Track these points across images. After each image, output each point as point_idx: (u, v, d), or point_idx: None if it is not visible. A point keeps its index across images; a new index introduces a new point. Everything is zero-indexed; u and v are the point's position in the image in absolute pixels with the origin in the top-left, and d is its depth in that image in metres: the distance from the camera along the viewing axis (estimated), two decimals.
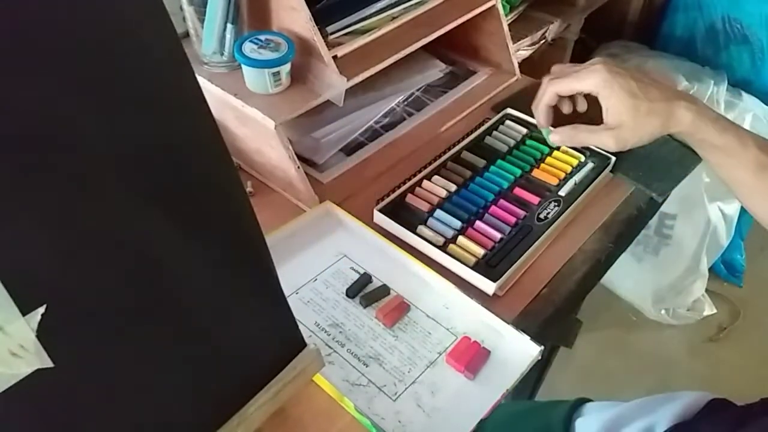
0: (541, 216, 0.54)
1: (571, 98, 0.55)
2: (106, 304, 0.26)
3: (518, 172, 0.58)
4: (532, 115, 0.63)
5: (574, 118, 0.54)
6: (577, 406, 0.56)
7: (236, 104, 0.52)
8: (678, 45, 1.28)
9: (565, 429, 0.54)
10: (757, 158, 0.46)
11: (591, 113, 0.53)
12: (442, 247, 0.50)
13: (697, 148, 0.50)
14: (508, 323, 0.45)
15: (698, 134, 0.48)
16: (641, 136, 0.49)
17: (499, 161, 0.59)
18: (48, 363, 0.24)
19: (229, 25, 0.52)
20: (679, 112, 0.47)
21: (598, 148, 0.60)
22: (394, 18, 0.59)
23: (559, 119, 0.56)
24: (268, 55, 0.50)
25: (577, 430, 0.53)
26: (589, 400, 0.56)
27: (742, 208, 1.21)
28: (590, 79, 0.49)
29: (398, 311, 0.47)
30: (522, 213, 0.54)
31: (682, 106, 0.47)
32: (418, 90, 0.69)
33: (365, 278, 0.49)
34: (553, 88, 0.52)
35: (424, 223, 0.53)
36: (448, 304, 0.48)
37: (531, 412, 0.61)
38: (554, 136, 0.54)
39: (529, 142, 0.62)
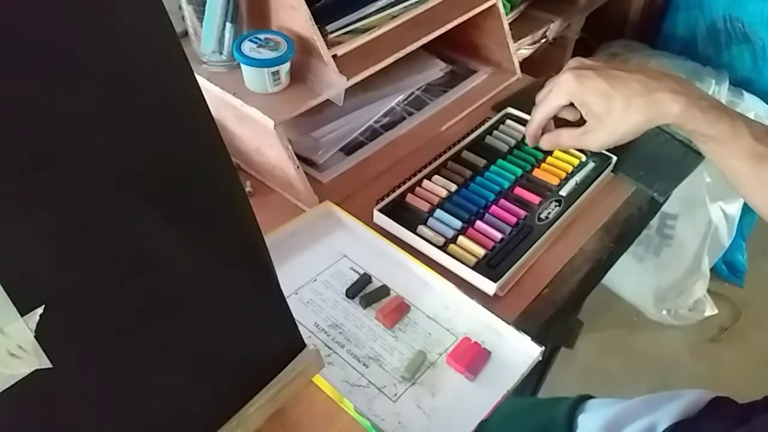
0: (542, 216, 0.54)
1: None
2: (105, 304, 0.26)
3: (519, 171, 0.58)
4: None
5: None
6: (579, 402, 0.56)
7: (235, 104, 0.52)
8: (679, 44, 1.27)
9: (568, 425, 0.54)
10: (752, 148, 0.43)
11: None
12: (443, 247, 0.50)
13: (690, 137, 0.48)
14: (508, 324, 0.45)
15: (688, 125, 0.45)
16: (623, 133, 0.47)
17: (499, 161, 0.59)
18: (46, 363, 0.24)
19: (228, 24, 0.52)
20: (665, 104, 0.45)
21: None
22: (394, 17, 0.59)
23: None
24: (267, 54, 0.50)
25: (580, 426, 0.53)
26: (592, 397, 0.56)
27: (743, 208, 1.21)
28: (562, 92, 0.49)
29: (398, 312, 0.47)
30: (523, 213, 0.54)
31: (668, 97, 0.45)
32: (418, 89, 0.69)
33: (365, 278, 0.49)
34: (537, 117, 0.53)
35: (425, 223, 0.52)
36: (448, 304, 0.48)
37: (533, 408, 0.61)
38: (541, 142, 0.55)
39: None
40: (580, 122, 0.54)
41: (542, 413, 0.58)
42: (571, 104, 0.52)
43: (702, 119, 0.44)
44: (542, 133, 0.55)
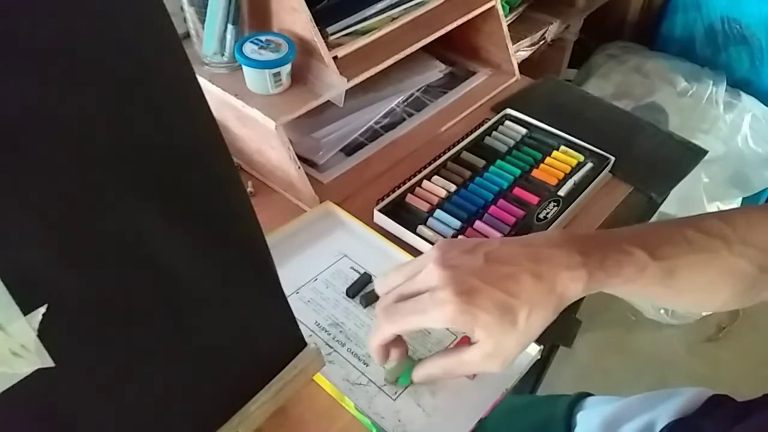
0: (541, 216, 0.54)
1: None
2: (107, 303, 0.26)
3: (518, 172, 0.58)
4: (532, 116, 0.64)
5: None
6: (578, 399, 0.56)
7: (237, 105, 0.52)
8: (677, 45, 1.28)
9: (567, 422, 0.54)
10: (659, 270, 0.37)
11: None
12: None
13: (597, 290, 0.38)
14: None
15: (595, 289, 0.37)
16: (530, 338, 0.36)
17: (498, 161, 0.59)
18: (49, 362, 0.24)
19: (229, 26, 0.52)
20: (566, 290, 0.36)
21: (591, 145, 0.60)
22: (394, 19, 0.59)
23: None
24: (268, 55, 0.50)
25: (579, 423, 0.53)
26: (591, 395, 0.57)
27: None
28: (440, 315, 0.35)
29: None
30: (521, 213, 0.54)
31: (566, 277, 0.36)
32: (418, 90, 0.70)
33: (365, 278, 0.49)
34: (390, 329, 0.37)
35: (424, 223, 0.53)
36: None
37: (532, 405, 0.61)
38: (416, 373, 0.40)
39: (528, 141, 0.62)
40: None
41: (541, 410, 0.58)
42: None
43: (605, 277, 0.36)
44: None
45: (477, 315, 0.35)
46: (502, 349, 0.36)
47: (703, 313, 1.28)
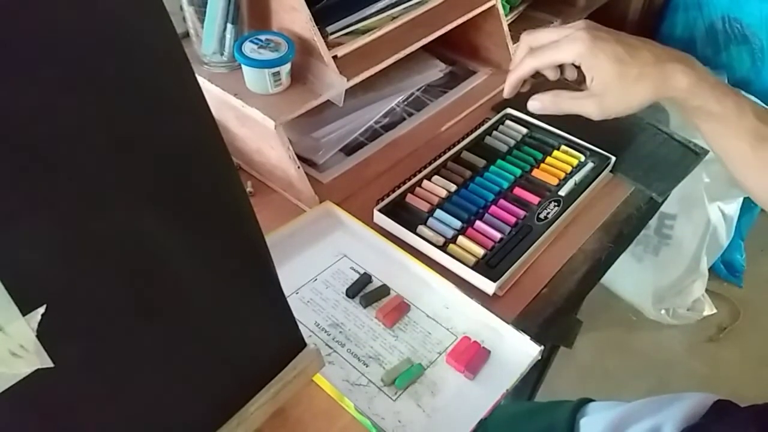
0: (541, 216, 0.54)
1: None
2: (106, 304, 0.26)
3: (518, 172, 0.58)
4: (532, 116, 0.64)
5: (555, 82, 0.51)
6: (579, 406, 0.56)
7: (236, 104, 0.52)
8: (678, 45, 1.27)
9: (570, 428, 0.54)
10: (755, 128, 0.43)
11: (580, 76, 0.49)
12: (442, 247, 0.50)
13: (691, 115, 0.46)
14: (508, 323, 0.45)
15: (695, 101, 0.44)
16: (629, 103, 0.45)
17: (499, 161, 0.59)
18: (48, 363, 0.24)
19: (229, 25, 0.52)
20: (675, 77, 0.43)
21: (592, 145, 0.60)
22: (394, 18, 0.59)
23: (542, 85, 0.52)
24: (268, 55, 0.50)
25: (582, 429, 0.53)
26: (592, 400, 0.56)
27: (742, 208, 1.21)
28: (572, 49, 0.45)
29: (398, 311, 0.47)
30: (522, 213, 0.54)
31: (679, 69, 0.43)
32: (418, 90, 0.69)
33: (365, 278, 0.49)
34: (532, 63, 0.48)
35: (424, 223, 0.53)
36: (448, 304, 0.48)
37: (533, 412, 0.61)
38: (533, 103, 0.50)
39: (529, 141, 0.62)
40: (556, 85, 0.50)
41: (542, 418, 0.58)
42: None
43: (710, 94, 0.43)
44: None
45: (599, 57, 0.44)
46: (605, 95, 0.45)
47: (704, 314, 1.28)
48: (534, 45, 0.49)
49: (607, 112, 0.46)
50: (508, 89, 0.51)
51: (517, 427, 0.58)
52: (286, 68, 0.52)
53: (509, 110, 0.65)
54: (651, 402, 0.51)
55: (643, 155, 0.62)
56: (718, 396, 0.49)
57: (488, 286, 0.48)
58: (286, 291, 0.34)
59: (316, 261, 0.51)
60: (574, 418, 0.54)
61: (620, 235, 0.56)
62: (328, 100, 0.54)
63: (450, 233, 0.52)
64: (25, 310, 0.23)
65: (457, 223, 0.52)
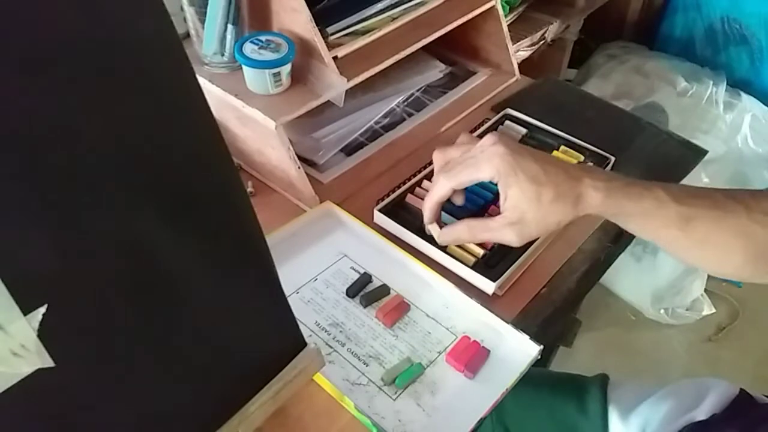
0: None
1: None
2: (107, 303, 0.26)
3: None
4: (532, 116, 0.64)
5: None
6: (604, 381, 0.58)
7: (237, 105, 0.52)
8: (677, 45, 1.28)
9: (603, 400, 0.56)
10: (679, 213, 0.41)
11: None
12: (442, 247, 0.50)
13: (614, 220, 0.44)
14: (507, 323, 0.45)
15: (611, 210, 0.42)
16: (547, 225, 0.43)
17: None
18: (49, 363, 0.24)
19: (229, 26, 0.52)
20: (588, 194, 0.42)
21: (591, 145, 0.60)
22: (394, 19, 0.59)
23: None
24: (268, 55, 0.50)
25: (612, 403, 0.55)
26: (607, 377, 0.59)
27: None
28: (491, 166, 0.42)
29: (398, 311, 0.47)
30: None
31: (589, 185, 0.42)
32: (418, 90, 0.70)
33: (365, 278, 0.49)
34: (448, 183, 0.44)
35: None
36: (447, 303, 0.48)
37: (554, 384, 0.63)
38: (443, 236, 0.47)
39: (528, 142, 0.62)
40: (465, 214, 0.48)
41: (567, 389, 0.60)
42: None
43: (625, 200, 0.42)
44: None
45: (519, 176, 0.41)
46: (523, 221, 0.42)
47: (703, 313, 1.28)
48: (448, 163, 0.46)
49: (526, 239, 0.44)
50: (427, 215, 0.48)
51: (541, 400, 0.59)
52: (286, 69, 0.52)
53: (509, 110, 0.65)
54: (678, 389, 0.53)
55: (643, 155, 0.63)
56: (738, 388, 0.50)
57: (488, 286, 0.48)
58: (287, 290, 0.34)
59: (317, 261, 0.51)
60: (605, 391, 0.55)
61: (619, 235, 0.56)
62: (329, 101, 0.54)
63: None
64: (26, 309, 0.23)
65: None
